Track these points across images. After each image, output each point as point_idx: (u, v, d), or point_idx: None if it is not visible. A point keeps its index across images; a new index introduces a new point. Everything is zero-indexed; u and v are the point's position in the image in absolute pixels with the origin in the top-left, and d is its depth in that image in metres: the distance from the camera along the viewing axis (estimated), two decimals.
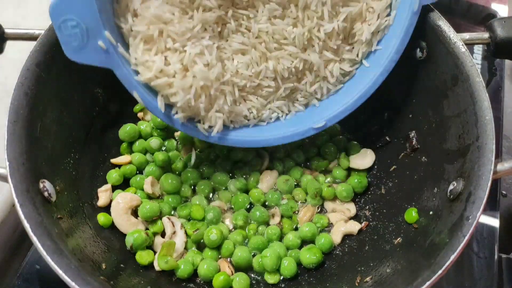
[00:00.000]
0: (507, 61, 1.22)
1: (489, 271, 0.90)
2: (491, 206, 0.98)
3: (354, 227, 0.85)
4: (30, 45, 0.76)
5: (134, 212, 0.85)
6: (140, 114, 0.99)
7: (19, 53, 0.77)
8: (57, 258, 0.59)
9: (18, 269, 0.87)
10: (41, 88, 0.73)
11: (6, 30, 0.79)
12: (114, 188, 0.89)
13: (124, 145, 0.95)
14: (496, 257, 0.92)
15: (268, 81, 0.81)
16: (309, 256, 0.81)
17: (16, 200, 0.62)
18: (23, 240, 0.92)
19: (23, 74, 0.72)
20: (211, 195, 0.92)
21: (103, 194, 0.86)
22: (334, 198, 0.90)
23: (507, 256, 0.94)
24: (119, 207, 0.83)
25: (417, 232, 0.77)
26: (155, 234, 0.84)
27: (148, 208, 0.83)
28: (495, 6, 1.33)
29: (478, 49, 1.22)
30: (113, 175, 0.89)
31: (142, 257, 0.79)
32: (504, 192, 1.03)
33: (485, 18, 1.30)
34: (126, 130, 0.94)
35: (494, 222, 0.96)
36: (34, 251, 0.88)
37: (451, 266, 0.61)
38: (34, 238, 0.60)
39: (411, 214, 0.81)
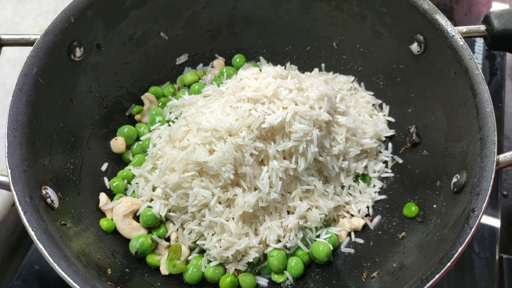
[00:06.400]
0: (507, 61, 1.20)
1: (490, 271, 0.90)
2: (492, 207, 0.97)
3: (359, 223, 0.85)
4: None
5: (136, 216, 0.84)
6: (137, 117, 0.98)
7: (18, 51, 0.75)
8: (64, 265, 0.59)
9: (17, 269, 0.86)
10: (39, 94, 0.72)
11: (1, 36, 0.77)
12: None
13: (126, 155, 0.93)
14: (497, 257, 0.92)
15: None
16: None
17: (20, 208, 0.61)
18: (22, 240, 0.91)
19: (21, 80, 0.71)
20: None
21: (108, 211, 0.84)
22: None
23: (508, 257, 0.94)
24: (120, 211, 0.82)
25: (421, 225, 0.78)
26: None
27: (149, 216, 0.82)
28: (495, 6, 1.33)
29: (479, 49, 1.22)
30: (114, 184, 0.87)
31: (153, 259, 0.79)
32: (505, 192, 1.03)
33: None
34: (124, 131, 0.93)
35: (495, 222, 0.96)
36: (33, 252, 0.87)
37: (452, 267, 0.61)
38: (40, 246, 0.59)
39: (410, 209, 0.81)
